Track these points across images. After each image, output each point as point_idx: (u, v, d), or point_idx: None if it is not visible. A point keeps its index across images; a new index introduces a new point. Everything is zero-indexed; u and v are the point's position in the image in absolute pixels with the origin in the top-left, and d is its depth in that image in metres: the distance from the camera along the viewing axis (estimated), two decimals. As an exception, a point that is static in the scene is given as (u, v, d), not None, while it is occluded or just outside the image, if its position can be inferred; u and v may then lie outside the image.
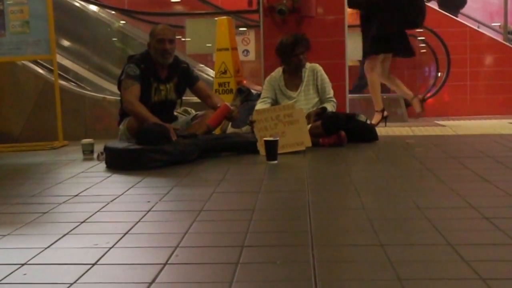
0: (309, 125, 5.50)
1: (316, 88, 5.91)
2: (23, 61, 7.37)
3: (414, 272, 2.24)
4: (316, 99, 5.90)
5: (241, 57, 7.75)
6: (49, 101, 6.92)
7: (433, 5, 10.59)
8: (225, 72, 6.97)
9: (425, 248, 2.55)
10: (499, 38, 10.66)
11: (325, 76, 5.93)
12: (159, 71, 5.46)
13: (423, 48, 10.21)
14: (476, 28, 10.43)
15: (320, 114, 5.72)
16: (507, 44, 10.43)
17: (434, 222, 2.88)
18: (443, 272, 2.24)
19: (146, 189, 4.06)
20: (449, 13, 10.23)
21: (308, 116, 5.60)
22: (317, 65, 5.96)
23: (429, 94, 9.79)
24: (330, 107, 5.81)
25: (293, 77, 5.94)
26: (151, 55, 5.45)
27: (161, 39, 5.39)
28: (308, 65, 5.92)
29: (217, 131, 5.82)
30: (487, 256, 2.41)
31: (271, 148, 4.83)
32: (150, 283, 2.18)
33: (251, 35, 8.13)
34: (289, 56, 5.86)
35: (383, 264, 2.32)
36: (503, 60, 9.84)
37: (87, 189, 4.05)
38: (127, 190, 3.96)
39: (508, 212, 3.13)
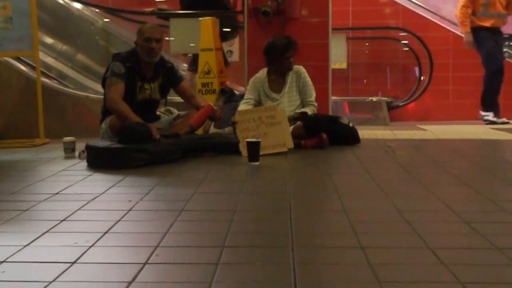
0: (291, 127, 5.52)
1: (299, 91, 5.92)
2: (5, 58, 7.32)
3: (393, 275, 2.25)
4: (299, 102, 5.92)
5: (225, 58, 7.76)
6: (31, 99, 6.88)
7: (415, 9, 10.64)
8: (208, 73, 6.96)
9: (404, 251, 2.57)
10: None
11: (308, 79, 5.94)
12: (144, 70, 5.46)
13: (406, 52, 10.28)
14: (459, 33, 10.50)
15: (298, 119, 5.73)
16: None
17: (414, 225, 2.90)
18: (422, 275, 2.26)
19: (127, 188, 4.04)
20: None
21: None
22: (300, 67, 5.97)
23: (411, 98, 9.87)
24: (310, 111, 5.82)
25: (277, 79, 5.94)
26: (137, 54, 5.44)
27: (148, 37, 5.38)
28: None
29: (199, 132, 5.82)
30: (466, 260, 2.43)
31: (253, 149, 4.83)
32: (130, 282, 2.17)
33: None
34: (278, 58, 5.85)
35: (363, 266, 2.33)
36: (485, 66, 9.91)
37: (68, 187, 4.03)
38: (108, 189, 3.95)
39: (487, 217, 3.15)
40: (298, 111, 5.84)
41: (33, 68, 7.35)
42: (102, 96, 5.65)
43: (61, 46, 9.48)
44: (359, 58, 10.67)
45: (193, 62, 7.38)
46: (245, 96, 6.00)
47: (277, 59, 5.87)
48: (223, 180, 4.37)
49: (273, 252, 2.57)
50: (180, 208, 3.33)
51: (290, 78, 5.91)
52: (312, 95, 5.92)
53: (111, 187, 4.00)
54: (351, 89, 10.59)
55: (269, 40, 5.96)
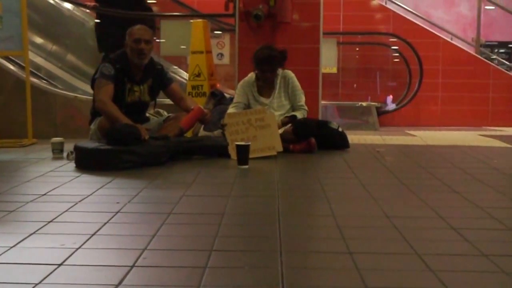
0: (280, 131, 5.52)
1: (288, 95, 5.92)
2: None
3: (381, 281, 2.25)
4: (288, 106, 5.92)
5: (215, 61, 7.75)
6: (19, 98, 6.84)
7: (406, 15, 10.69)
8: (199, 75, 6.96)
9: (392, 256, 2.57)
10: (471, 50, 10.79)
11: (296, 83, 5.93)
12: (134, 72, 5.44)
13: (396, 58, 10.31)
14: (449, 40, 10.55)
15: (287, 123, 5.73)
16: (479, 56, 10.57)
17: (402, 231, 2.90)
18: (410, 281, 2.26)
19: (115, 190, 4.03)
20: None
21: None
22: (289, 71, 5.96)
23: (401, 104, 9.89)
24: (300, 115, 5.83)
25: (265, 84, 5.94)
26: (127, 56, 5.43)
27: (137, 39, 5.37)
28: (280, 71, 5.92)
29: (188, 134, 5.81)
30: (453, 266, 2.44)
31: (243, 152, 4.83)
32: (117, 285, 2.16)
33: (226, 39, 8.14)
34: (257, 68, 5.86)
35: (350, 271, 2.33)
36: (475, 73, 9.98)
37: (55, 188, 4.01)
38: (96, 190, 3.93)
39: (475, 223, 3.16)
40: (288, 114, 5.84)
41: (22, 67, 7.31)
42: (91, 97, 5.62)
43: (51, 46, 9.45)
44: (350, 63, 10.69)
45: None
46: (234, 100, 6.00)
47: (258, 69, 5.86)
48: (212, 183, 4.36)
49: (261, 256, 2.56)
50: (168, 211, 3.32)
51: (279, 83, 5.91)
52: (302, 99, 5.92)
53: (99, 189, 3.98)
54: (341, 94, 10.61)
55: (258, 48, 5.94)
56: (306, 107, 5.92)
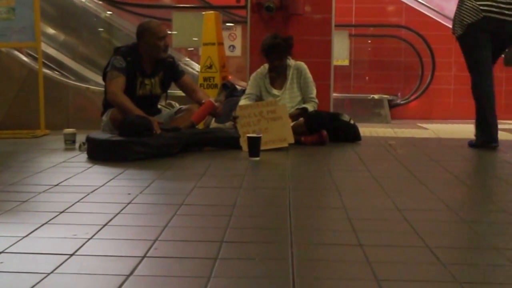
0: (292, 123, 5.51)
1: (300, 87, 5.91)
2: (7, 48, 7.31)
3: (391, 273, 2.25)
4: (300, 98, 5.90)
5: (227, 53, 7.75)
6: (32, 89, 6.87)
7: (418, 7, 10.63)
8: (210, 67, 6.96)
9: (403, 249, 2.57)
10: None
11: (309, 75, 5.92)
12: (145, 65, 5.44)
13: (408, 50, 10.27)
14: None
15: (298, 115, 5.72)
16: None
17: (413, 224, 2.89)
18: (420, 274, 2.26)
19: (127, 181, 4.04)
20: None
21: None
22: (302, 63, 5.95)
23: (413, 96, 9.86)
24: (311, 107, 5.81)
25: (278, 75, 5.93)
26: (138, 49, 5.43)
27: (162, 36, 5.41)
28: (293, 63, 5.92)
29: (200, 126, 5.82)
30: (464, 259, 2.43)
31: (254, 144, 4.83)
32: (128, 276, 2.17)
33: (238, 30, 8.14)
34: (266, 58, 5.86)
35: (361, 264, 2.33)
36: (488, 66, 9.89)
37: (67, 179, 4.03)
38: (108, 181, 3.95)
39: (486, 217, 3.15)
40: (299, 107, 5.84)
41: (35, 59, 7.34)
42: (103, 89, 5.63)
43: (63, 38, 9.47)
44: (362, 55, 10.65)
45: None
46: (246, 92, 6.00)
47: (266, 60, 5.87)
48: (223, 174, 4.37)
49: (271, 248, 2.57)
50: (180, 202, 3.33)
51: (291, 74, 5.90)
52: (313, 91, 5.91)
53: (111, 180, 4.00)
54: (352, 86, 10.59)
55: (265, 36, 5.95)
56: (316, 100, 5.90)
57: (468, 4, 5.41)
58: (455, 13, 5.60)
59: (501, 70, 9.62)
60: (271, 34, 5.92)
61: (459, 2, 5.55)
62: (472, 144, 5.54)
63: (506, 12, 5.38)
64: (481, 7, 5.34)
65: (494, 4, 5.36)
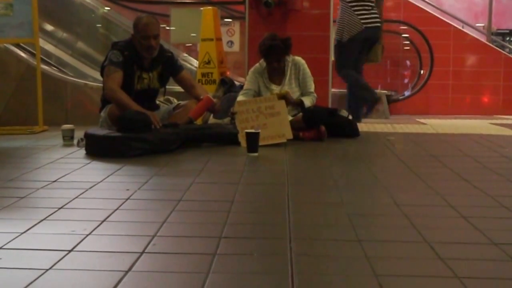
0: (291, 118, 5.51)
1: (298, 82, 5.90)
2: (5, 44, 7.30)
3: (390, 269, 2.25)
4: (299, 93, 5.90)
5: (225, 48, 7.74)
6: (30, 85, 6.86)
7: (417, 2, 10.62)
8: (208, 63, 6.95)
9: (402, 245, 2.56)
10: (482, 38, 10.72)
11: (307, 70, 5.91)
12: (142, 59, 5.43)
13: (406, 45, 10.25)
14: (460, 28, 10.48)
15: (296, 104, 5.72)
16: (490, 45, 10.49)
17: (411, 219, 2.89)
18: (419, 269, 2.26)
19: (125, 177, 4.04)
20: None
21: (285, 98, 5.54)
22: (300, 58, 5.94)
23: (412, 92, 9.85)
24: (309, 100, 5.80)
25: (276, 71, 5.92)
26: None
27: (146, 35, 5.31)
28: (291, 58, 5.90)
29: (198, 122, 5.81)
30: (463, 254, 2.43)
31: (252, 140, 4.83)
32: (127, 271, 2.17)
33: (236, 26, 8.12)
34: (264, 59, 5.84)
35: (360, 259, 2.33)
36: (486, 61, 9.90)
37: (66, 175, 4.03)
38: (106, 177, 3.94)
39: (485, 212, 3.15)
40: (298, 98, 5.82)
41: (33, 55, 7.33)
42: (101, 84, 5.63)
43: (61, 34, 9.45)
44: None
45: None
46: (245, 87, 5.99)
47: (264, 60, 5.85)
48: (222, 170, 4.36)
49: (270, 243, 2.57)
50: (178, 198, 3.33)
51: (290, 69, 5.89)
52: (312, 86, 5.91)
53: (109, 176, 3.99)
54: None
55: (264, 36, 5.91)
56: (315, 94, 5.90)
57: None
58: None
59: (499, 65, 9.64)
60: (269, 35, 5.88)
61: None
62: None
63: None
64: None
65: None
